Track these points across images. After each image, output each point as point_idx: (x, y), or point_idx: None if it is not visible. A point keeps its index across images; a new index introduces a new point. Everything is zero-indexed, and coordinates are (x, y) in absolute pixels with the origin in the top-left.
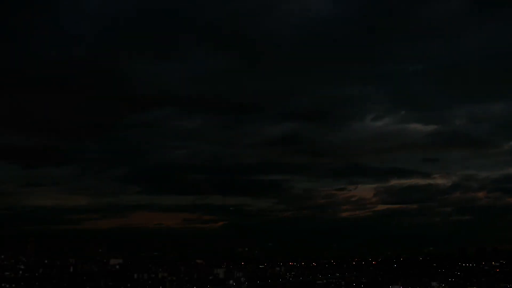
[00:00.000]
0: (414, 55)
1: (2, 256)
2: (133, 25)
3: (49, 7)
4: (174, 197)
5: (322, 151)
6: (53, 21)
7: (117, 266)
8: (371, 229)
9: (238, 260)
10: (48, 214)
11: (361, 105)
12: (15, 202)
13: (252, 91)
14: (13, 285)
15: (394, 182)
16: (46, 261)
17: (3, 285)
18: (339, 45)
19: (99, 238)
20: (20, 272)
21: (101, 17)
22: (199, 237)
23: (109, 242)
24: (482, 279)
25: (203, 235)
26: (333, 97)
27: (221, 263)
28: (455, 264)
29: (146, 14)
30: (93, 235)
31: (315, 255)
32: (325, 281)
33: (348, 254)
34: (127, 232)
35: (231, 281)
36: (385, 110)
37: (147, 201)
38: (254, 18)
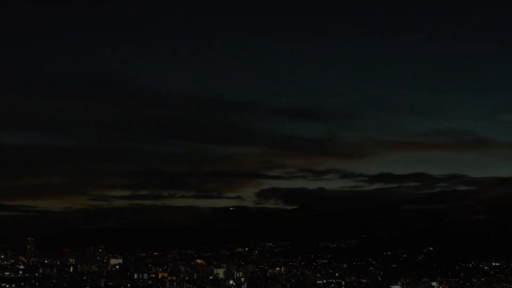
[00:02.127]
0: None
1: (2, 256)
2: None
3: None
4: (209, 200)
5: (364, 152)
6: None
7: (117, 266)
8: (379, 230)
9: (238, 260)
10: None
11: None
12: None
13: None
14: (13, 285)
15: (440, 183)
16: (46, 261)
17: (3, 285)
18: None
19: (100, 238)
20: (20, 272)
21: None
22: (204, 237)
23: (109, 242)
24: (482, 279)
25: (210, 235)
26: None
27: (221, 263)
28: (455, 264)
29: None
30: (95, 235)
31: (315, 255)
32: (325, 281)
33: (348, 254)
34: (131, 232)
35: (231, 281)
36: None
37: (180, 203)
38: None
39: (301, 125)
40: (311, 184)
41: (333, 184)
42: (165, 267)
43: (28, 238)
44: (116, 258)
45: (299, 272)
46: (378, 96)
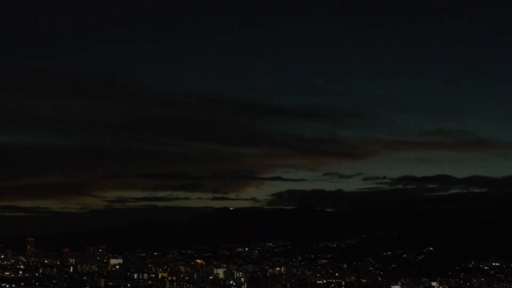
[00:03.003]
0: None
1: (2, 256)
2: None
3: None
4: (225, 201)
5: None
6: None
7: (117, 266)
8: (380, 230)
9: (238, 260)
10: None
11: None
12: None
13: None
14: (13, 285)
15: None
16: (46, 261)
17: (3, 285)
18: None
19: (100, 237)
20: (20, 272)
21: None
22: (204, 237)
23: (109, 242)
24: (482, 279)
25: (210, 235)
26: None
27: (221, 263)
28: (455, 264)
29: None
30: (94, 234)
31: (316, 255)
32: (325, 281)
33: (348, 254)
34: (132, 229)
35: (231, 281)
36: None
37: (195, 204)
38: None
39: (311, 125)
40: (330, 186)
41: (353, 185)
42: (165, 267)
43: (28, 238)
44: (116, 258)
45: (299, 272)
46: (383, 96)
